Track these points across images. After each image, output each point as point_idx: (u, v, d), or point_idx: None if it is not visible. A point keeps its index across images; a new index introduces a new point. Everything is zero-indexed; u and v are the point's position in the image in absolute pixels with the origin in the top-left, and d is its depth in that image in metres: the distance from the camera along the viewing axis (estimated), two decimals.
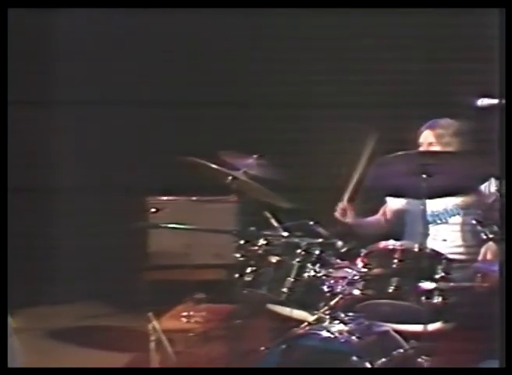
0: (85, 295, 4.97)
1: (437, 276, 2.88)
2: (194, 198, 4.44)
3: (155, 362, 2.99)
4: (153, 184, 4.63)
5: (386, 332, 3.06)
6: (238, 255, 3.18)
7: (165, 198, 4.49)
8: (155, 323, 2.97)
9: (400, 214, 3.57)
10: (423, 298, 2.81)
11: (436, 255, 2.95)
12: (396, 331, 3.03)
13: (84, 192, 4.99)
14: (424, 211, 3.36)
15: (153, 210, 4.39)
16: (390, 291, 2.88)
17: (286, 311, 3.21)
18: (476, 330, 2.94)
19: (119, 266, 4.79)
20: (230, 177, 3.28)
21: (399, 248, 2.97)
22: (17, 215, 4.94)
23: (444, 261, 2.93)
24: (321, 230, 3.13)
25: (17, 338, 2.89)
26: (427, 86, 4.67)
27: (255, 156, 3.59)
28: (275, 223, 3.36)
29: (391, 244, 3.01)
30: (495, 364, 2.65)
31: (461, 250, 3.35)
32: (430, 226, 3.42)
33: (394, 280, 2.89)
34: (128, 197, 4.58)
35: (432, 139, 3.45)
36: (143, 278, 4.53)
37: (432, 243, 3.37)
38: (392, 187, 3.06)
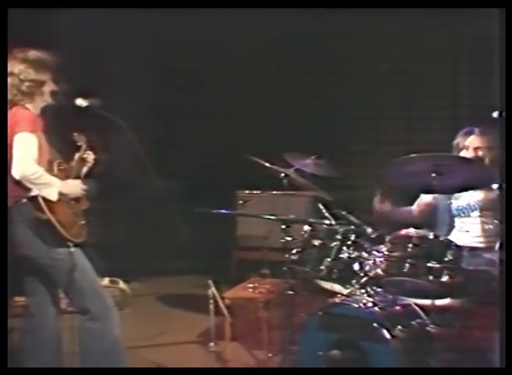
0: (188, 270, 5.76)
1: (446, 259, 3.37)
2: (274, 192, 5.16)
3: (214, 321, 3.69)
4: (241, 182, 5.36)
5: (407, 305, 3.58)
6: (290, 239, 3.82)
7: (250, 192, 5.26)
8: (213, 289, 3.67)
9: (430, 207, 4.02)
10: (431, 277, 3.33)
11: (448, 243, 3.43)
12: (417, 305, 3.56)
13: (190, 188, 5.81)
14: (450, 205, 3.89)
15: (241, 202, 5.16)
16: (405, 270, 3.41)
17: (327, 285, 3.83)
18: (481, 306, 3.40)
19: (214, 247, 5.56)
20: (283, 174, 3.94)
21: (415, 235, 3.47)
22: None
23: (454, 247, 3.40)
24: (353, 219, 3.69)
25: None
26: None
27: (314, 157, 4.19)
28: (327, 213, 3.95)
29: (410, 231, 3.52)
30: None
31: (480, 240, 3.78)
32: (456, 218, 3.90)
33: (410, 261, 3.42)
34: (222, 192, 5.32)
35: (478, 144, 3.85)
36: (232, 257, 5.33)
37: (457, 234, 3.87)
38: (406, 183, 3.55)
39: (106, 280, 5.30)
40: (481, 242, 3.76)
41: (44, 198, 3.16)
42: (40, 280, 3.40)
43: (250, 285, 4.20)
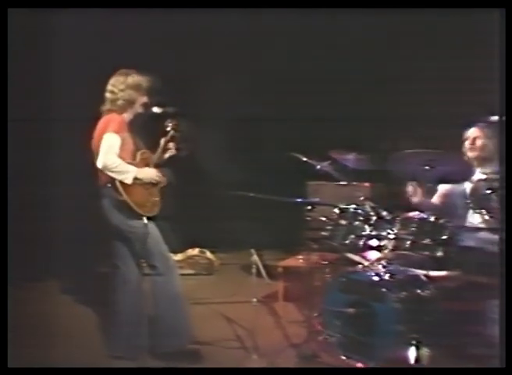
0: (268, 244, 6.51)
1: (442, 238, 3.93)
2: (336, 183, 5.69)
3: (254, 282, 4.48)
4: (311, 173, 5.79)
5: (414, 275, 4.17)
6: (324, 219, 4.51)
7: (318, 182, 5.80)
8: (255, 257, 4.45)
9: (446, 197, 4.52)
10: (427, 252, 3.93)
11: (445, 224, 3.97)
12: (425, 276, 4.13)
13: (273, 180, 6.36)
14: (464, 193, 4.41)
15: (311, 191, 5.78)
16: (408, 246, 4.03)
17: (355, 257, 4.51)
18: (474, 278, 3.93)
19: (288, 226, 6.24)
20: (318, 167, 4.65)
21: (418, 217, 4.07)
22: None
23: (450, 228, 3.96)
24: (371, 203, 4.33)
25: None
26: None
27: (355, 153, 4.85)
28: (362, 198, 4.59)
29: (415, 214, 4.11)
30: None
31: (478, 222, 4.27)
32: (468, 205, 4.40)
33: (411, 239, 4.02)
34: (296, 181, 5.83)
35: (477, 134, 4.32)
36: (302, 235, 6.03)
37: (471, 217, 4.36)
38: (406, 173, 4.17)
39: (196, 250, 6.31)
40: (479, 224, 4.27)
41: (121, 183, 4.06)
42: (124, 243, 4.31)
43: (300, 256, 4.97)
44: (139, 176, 4.16)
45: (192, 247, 6.33)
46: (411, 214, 4.14)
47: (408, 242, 4.02)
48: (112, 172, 4.05)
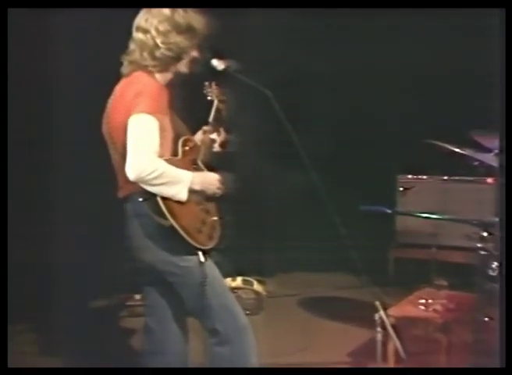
0: (336, 266, 4.83)
1: None
2: (445, 178, 4.19)
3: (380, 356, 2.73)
4: (402, 165, 4.45)
5: None
6: (480, 246, 2.79)
7: (413, 177, 4.38)
8: (382, 313, 2.67)
9: None
10: None
11: None
12: None
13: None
14: None
15: (401, 189, 4.27)
16: None
17: None
18: None
19: (366, 241, 4.64)
20: (476, 163, 2.90)
21: None
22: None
23: None
24: None
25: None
26: None
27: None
28: None
29: None
30: None
31: None
32: None
33: None
34: (378, 175, 4.48)
35: None
36: (389, 255, 4.38)
37: None
38: None
39: (239, 280, 4.43)
40: None
41: (163, 199, 2.31)
42: (160, 290, 2.59)
43: (422, 301, 3.16)
44: (196, 184, 2.41)
45: (233, 276, 4.41)
46: None
47: None
48: (152, 185, 2.29)
